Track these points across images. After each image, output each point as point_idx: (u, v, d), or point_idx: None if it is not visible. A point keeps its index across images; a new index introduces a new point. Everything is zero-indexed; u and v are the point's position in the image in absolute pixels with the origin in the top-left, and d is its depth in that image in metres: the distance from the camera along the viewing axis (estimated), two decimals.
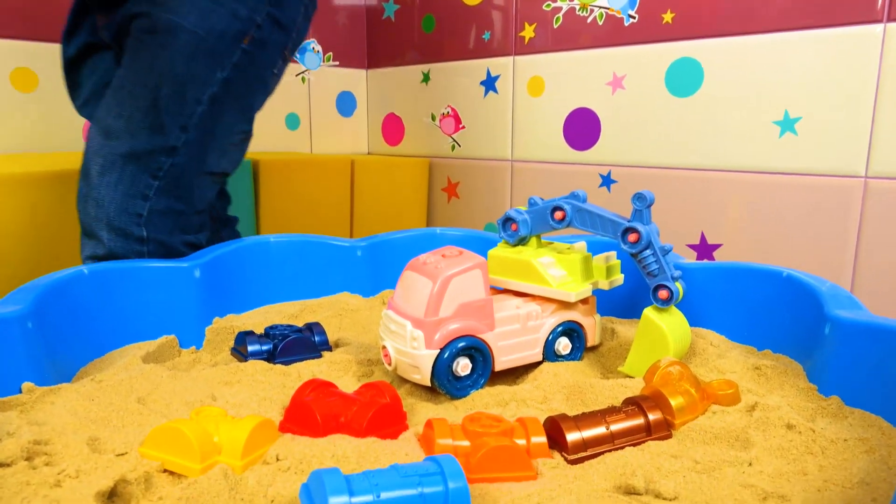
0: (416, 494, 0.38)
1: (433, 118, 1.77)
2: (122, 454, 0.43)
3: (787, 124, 1.21)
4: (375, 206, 1.61)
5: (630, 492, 0.42)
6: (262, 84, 0.88)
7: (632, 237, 0.60)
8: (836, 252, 1.18)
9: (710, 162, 1.31)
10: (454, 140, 1.74)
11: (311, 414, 0.49)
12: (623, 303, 0.78)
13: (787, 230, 1.23)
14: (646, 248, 0.60)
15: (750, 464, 0.45)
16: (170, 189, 0.80)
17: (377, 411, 0.49)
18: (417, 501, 0.38)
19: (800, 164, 1.21)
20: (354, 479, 0.38)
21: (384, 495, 0.37)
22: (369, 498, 0.37)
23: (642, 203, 0.60)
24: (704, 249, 1.35)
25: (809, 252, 1.21)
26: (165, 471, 0.43)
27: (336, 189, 1.53)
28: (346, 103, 1.88)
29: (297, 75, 1.75)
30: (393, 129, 1.89)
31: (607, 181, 1.46)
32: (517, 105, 1.59)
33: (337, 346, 0.72)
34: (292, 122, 1.76)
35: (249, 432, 0.44)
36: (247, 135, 0.90)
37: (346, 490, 0.36)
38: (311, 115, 1.80)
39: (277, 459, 0.44)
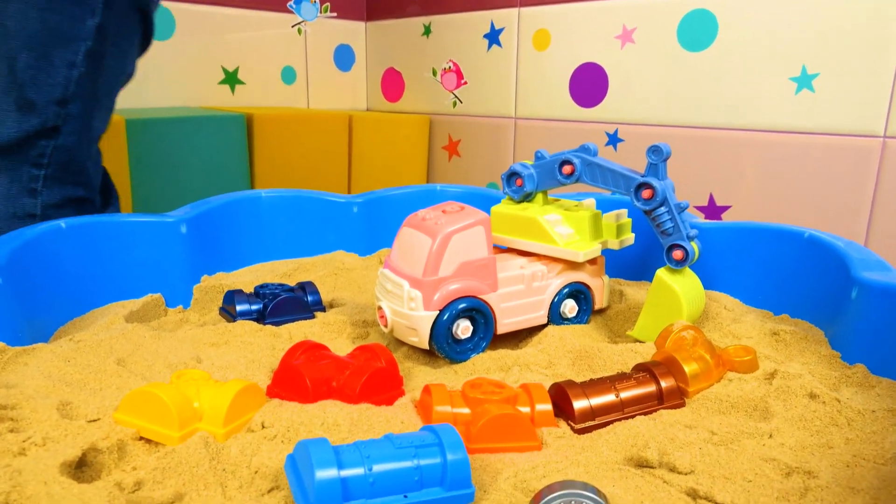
0: (412, 467, 0.35)
1: (434, 73, 1.71)
2: (95, 420, 0.40)
3: (804, 80, 1.16)
4: (374, 164, 1.57)
5: (642, 464, 0.39)
6: (142, 14, 0.71)
7: (645, 193, 0.56)
8: (849, 215, 1.14)
9: (721, 120, 1.26)
10: (456, 96, 1.68)
11: (300, 378, 0.45)
12: (633, 264, 0.74)
13: (799, 192, 1.19)
14: (660, 205, 0.56)
15: (770, 435, 0.42)
16: (60, 176, 0.66)
17: (371, 376, 0.46)
18: (413, 475, 0.35)
19: (815, 122, 1.16)
20: (344, 451, 0.34)
21: (377, 468, 0.34)
22: (360, 471, 0.34)
23: (658, 157, 0.55)
24: (713, 211, 1.30)
25: (821, 215, 1.17)
26: (141, 438, 0.40)
27: (333, 146, 1.48)
28: (344, 57, 1.81)
29: (293, 26, 1.68)
30: (392, 84, 1.83)
31: (614, 140, 1.41)
32: (522, 59, 1.53)
33: (331, 306, 0.68)
34: (288, 75, 1.70)
35: (233, 397, 0.41)
36: (130, 76, 0.75)
37: (335, 462, 0.33)
38: (308, 68, 1.74)
39: (263, 427, 0.41)
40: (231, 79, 1.59)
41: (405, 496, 0.34)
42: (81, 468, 0.36)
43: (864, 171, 1.12)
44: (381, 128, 1.58)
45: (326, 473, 0.33)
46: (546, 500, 0.32)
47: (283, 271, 0.76)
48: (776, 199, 1.22)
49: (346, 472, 0.33)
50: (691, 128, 1.30)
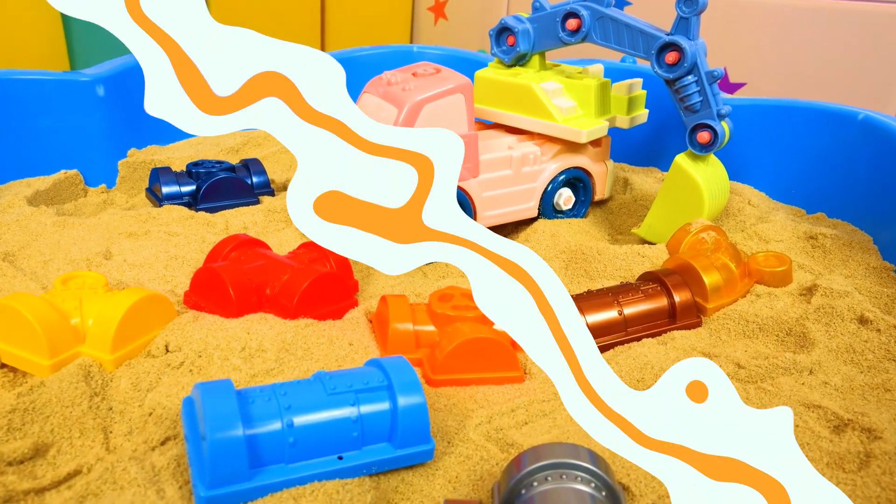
0: (350, 418, 0.26)
1: None
2: None
3: None
4: (348, 26, 1.40)
5: None
6: None
7: (670, 56, 0.44)
8: (879, 96, 1.02)
9: None
10: None
11: (221, 285, 0.36)
12: (642, 147, 0.63)
13: (825, 68, 1.06)
14: (688, 73, 0.44)
15: (811, 371, 0.34)
16: None
17: (314, 283, 0.36)
18: (351, 429, 0.26)
19: None
20: (256, 399, 0.25)
21: (299, 421, 0.25)
22: (276, 426, 0.25)
23: (691, 8, 0.43)
24: (725, 89, 1.17)
25: (847, 96, 1.05)
26: (3, 366, 0.30)
27: (301, 3, 1.30)
28: None
29: None
30: None
31: (621, 2, 1.24)
32: None
33: (284, 189, 0.58)
34: None
35: (125, 312, 0.31)
36: None
37: (238, 416, 0.24)
38: None
39: (167, 351, 0.32)
40: None
41: (340, 458, 0.26)
42: None
43: None
44: None
45: (226, 433, 0.24)
46: (526, 471, 0.24)
47: (229, 146, 0.64)
48: (797, 76, 1.09)
49: (255, 430, 0.25)
50: None
